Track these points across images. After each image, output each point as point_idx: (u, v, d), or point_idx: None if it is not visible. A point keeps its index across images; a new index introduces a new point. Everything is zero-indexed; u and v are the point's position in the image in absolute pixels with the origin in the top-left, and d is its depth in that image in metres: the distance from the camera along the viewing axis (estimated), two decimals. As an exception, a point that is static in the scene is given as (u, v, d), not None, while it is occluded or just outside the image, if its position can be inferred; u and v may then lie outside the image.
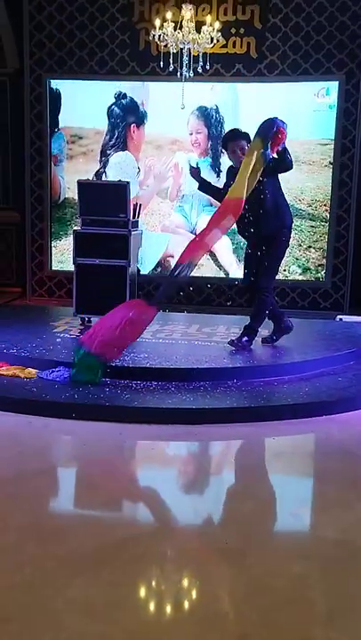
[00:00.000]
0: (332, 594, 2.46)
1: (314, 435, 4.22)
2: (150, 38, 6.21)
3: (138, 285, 6.36)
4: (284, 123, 4.79)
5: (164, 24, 5.95)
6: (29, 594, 2.40)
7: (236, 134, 5.30)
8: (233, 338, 5.31)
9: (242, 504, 3.30)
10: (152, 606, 2.40)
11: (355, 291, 7.40)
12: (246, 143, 5.07)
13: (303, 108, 7.19)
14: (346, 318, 6.90)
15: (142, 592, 2.49)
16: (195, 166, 5.41)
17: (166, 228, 7.62)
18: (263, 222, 5.09)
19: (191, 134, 7.43)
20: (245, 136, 5.18)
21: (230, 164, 5.38)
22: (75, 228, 6.15)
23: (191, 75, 6.15)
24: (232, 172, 5.14)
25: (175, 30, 5.96)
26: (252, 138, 4.91)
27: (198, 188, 5.50)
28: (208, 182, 5.49)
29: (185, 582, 2.59)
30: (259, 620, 2.29)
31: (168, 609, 2.39)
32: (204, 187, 5.43)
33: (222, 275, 7.57)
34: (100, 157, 7.57)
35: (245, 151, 4.98)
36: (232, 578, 2.56)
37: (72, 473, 3.73)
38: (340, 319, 6.92)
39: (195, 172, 5.35)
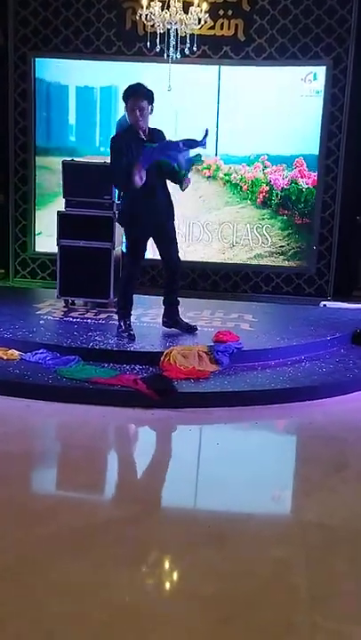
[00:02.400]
0: (316, 578, 2.47)
1: (297, 420, 4.23)
2: (137, 18, 6.13)
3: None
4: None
5: (151, 3, 5.87)
6: (11, 576, 2.38)
7: (140, 91, 4.83)
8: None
9: (224, 488, 3.30)
10: (134, 589, 2.39)
11: (339, 277, 7.41)
12: (148, 104, 4.79)
13: (290, 93, 7.16)
14: (330, 304, 6.93)
15: (124, 575, 2.48)
16: None
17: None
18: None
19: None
20: (149, 95, 4.82)
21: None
22: (58, 209, 6.08)
23: (178, 56, 6.08)
24: (128, 146, 4.73)
25: (162, 10, 5.89)
26: None
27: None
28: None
29: (167, 566, 2.60)
30: (241, 604, 2.29)
31: (150, 592, 2.39)
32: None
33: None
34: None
35: (144, 112, 4.74)
36: (214, 562, 2.56)
37: (55, 455, 3.71)
38: (325, 305, 6.94)
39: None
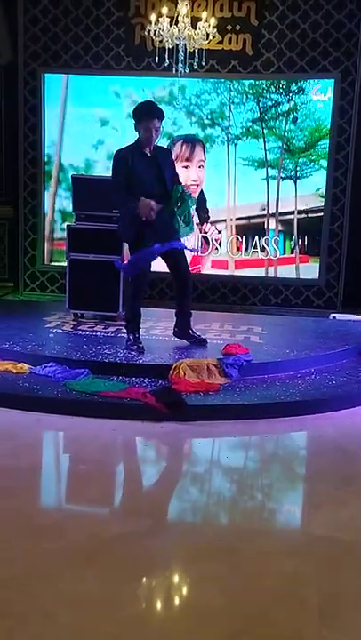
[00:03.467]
0: (325, 592, 2.45)
1: (307, 432, 4.22)
2: (146, 33, 6.19)
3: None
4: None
5: (160, 19, 5.93)
6: (22, 589, 2.38)
7: (154, 110, 4.86)
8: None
9: (234, 502, 3.30)
10: (144, 603, 2.38)
11: (348, 289, 7.40)
12: (159, 122, 4.81)
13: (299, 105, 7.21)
14: (339, 316, 6.91)
15: (132, 588, 2.47)
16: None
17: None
18: None
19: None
20: (161, 114, 4.83)
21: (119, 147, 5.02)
22: (67, 223, 6.12)
23: (187, 71, 6.12)
24: (132, 163, 4.76)
25: (171, 26, 5.94)
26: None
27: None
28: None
29: (177, 579, 2.58)
30: (251, 618, 2.28)
31: (160, 606, 2.38)
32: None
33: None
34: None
35: (159, 132, 4.76)
36: (224, 576, 2.55)
37: (65, 468, 3.71)
38: (334, 317, 6.93)
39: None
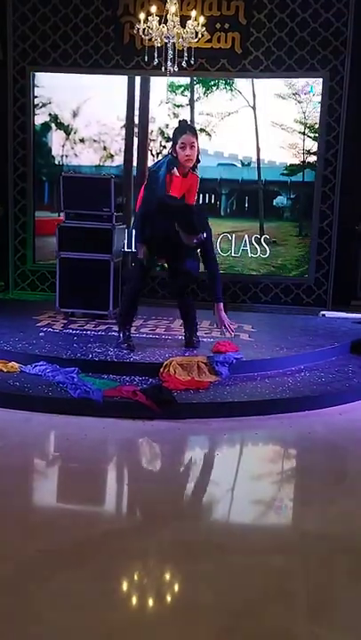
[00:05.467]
0: (315, 589, 2.47)
1: (297, 430, 4.24)
2: (135, 32, 6.18)
3: (121, 280, 6.36)
4: None
5: (149, 18, 5.92)
6: (10, 588, 2.38)
7: (192, 129, 5.03)
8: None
9: (224, 498, 3.32)
10: (135, 600, 2.40)
11: (338, 287, 7.44)
12: (195, 139, 4.85)
13: (287, 103, 7.23)
14: (329, 314, 6.95)
15: (125, 586, 2.49)
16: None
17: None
18: None
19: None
20: (195, 132, 4.96)
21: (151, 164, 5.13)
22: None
23: (176, 69, 6.13)
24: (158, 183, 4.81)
25: (160, 24, 5.94)
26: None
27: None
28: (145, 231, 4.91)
29: (167, 577, 2.60)
30: (241, 614, 2.29)
31: (151, 603, 2.39)
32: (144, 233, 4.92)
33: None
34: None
35: (195, 148, 4.80)
36: (214, 572, 2.56)
37: (55, 467, 3.71)
38: (323, 315, 6.96)
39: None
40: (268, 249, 7.45)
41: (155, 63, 6.12)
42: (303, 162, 7.33)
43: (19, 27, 7.33)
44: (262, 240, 7.44)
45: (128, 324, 5.13)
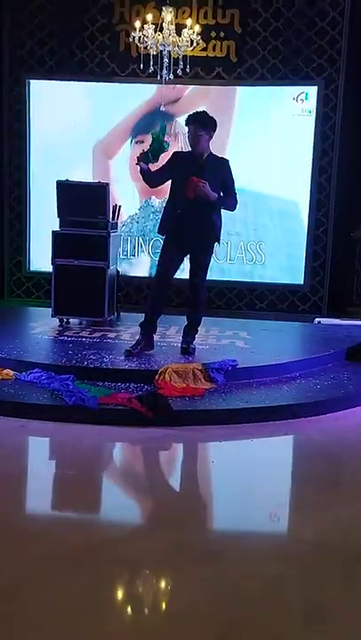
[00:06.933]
0: (310, 596, 2.46)
1: (292, 437, 4.24)
2: (130, 40, 6.21)
3: (117, 287, 6.37)
4: None
5: (145, 26, 5.96)
6: (5, 596, 2.37)
7: (196, 118, 4.94)
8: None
9: (220, 506, 3.31)
10: (129, 608, 2.39)
11: (333, 293, 7.46)
12: (202, 131, 4.84)
13: (282, 112, 7.26)
14: (324, 321, 6.95)
15: (120, 594, 2.48)
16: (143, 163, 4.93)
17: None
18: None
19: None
20: (205, 123, 4.88)
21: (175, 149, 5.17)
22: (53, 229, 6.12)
23: (171, 77, 6.16)
24: (176, 162, 4.99)
25: (155, 32, 5.97)
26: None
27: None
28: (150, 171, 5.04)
29: (163, 584, 2.59)
30: (235, 621, 2.29)
31: (145, 611, 2.39)
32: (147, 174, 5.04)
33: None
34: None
35: (197, 139, 4.82)
36: (209, 580, 2.55)
37: (49, 475, 3.70)
38: (319, 322, 6.97)
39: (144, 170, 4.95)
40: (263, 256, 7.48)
41: (150, 71, 6.14)
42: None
43: (14, 34, 7.35)
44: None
45: (146, 326, 5.13)
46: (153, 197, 7.52)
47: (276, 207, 7.47)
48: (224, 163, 5.02)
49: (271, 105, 7.30)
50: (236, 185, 5.05)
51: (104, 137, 7.44)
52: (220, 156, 5.08)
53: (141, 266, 7.69)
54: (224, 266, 7.54)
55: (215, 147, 5.10)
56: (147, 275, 7.56)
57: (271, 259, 7.52)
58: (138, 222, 7.54)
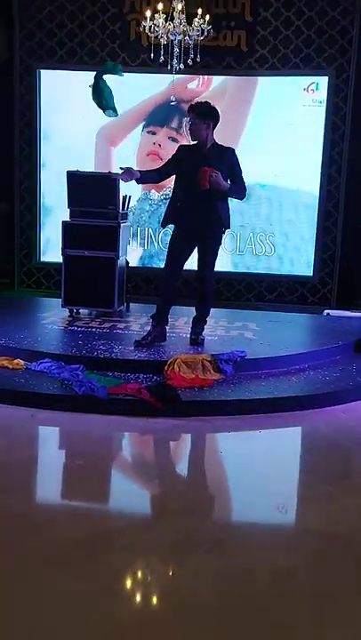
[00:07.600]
0: (317, 587, 2.48)
1: (301, 428, 4.25)
2: (141, 29, 6.19)
3: (127, 278, 6.38)
4: None
5: (155, 15, 5.93)
6: (13, 585, 2.40)
7: (192, 108, 4.96)
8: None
9: (228, 496, 3.33)
10: (137, 597, 2.41)
11: (342, 285, 7.44)
12: (197, 119, 4.84)
13: (293, 102, 7.23)
14: (333, 313, 6.94)
15: (127, 583, 2.51)
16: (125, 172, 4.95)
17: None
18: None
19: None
20: (200, 112, 4.87)
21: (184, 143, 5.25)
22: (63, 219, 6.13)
23: (182, 67, 6.13)
24: (182, 154, 5.03)
25: (166, 22, 5.95)
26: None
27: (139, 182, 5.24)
28: (145, 172, 5.14)
29: (169, 573, 2.61)
30: (242, 612, 2.31)
31: (153, 600, 2.41)
32: (143, 178, 5.14)
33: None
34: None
35: (191, 127, 4.85)
36: (216, 570, 2.58)
37: (58, 465, 3.73)
38: (328, 314, 6.96)
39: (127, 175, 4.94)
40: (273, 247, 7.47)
41: (161, 61, 6.12)
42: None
43: (25, 24, 7.35)
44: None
45: (157, 318, 5.15)
46: (153, 191, 7.51)
47: (286, 199, 7.43)
48: (230, 151, 5.02)
49: (283, 96, 7.26)
50: (248, 178, 5.05)
51: (107, 124, 7.37)
52: (226, 145, 5.07)
53: (132, 256, 7.60)
54: (233, 257, 7.53)
55: (229, 140, 5.08)
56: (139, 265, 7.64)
57: (280, 250, 7.51)
58: (134, 213, 7.49)
